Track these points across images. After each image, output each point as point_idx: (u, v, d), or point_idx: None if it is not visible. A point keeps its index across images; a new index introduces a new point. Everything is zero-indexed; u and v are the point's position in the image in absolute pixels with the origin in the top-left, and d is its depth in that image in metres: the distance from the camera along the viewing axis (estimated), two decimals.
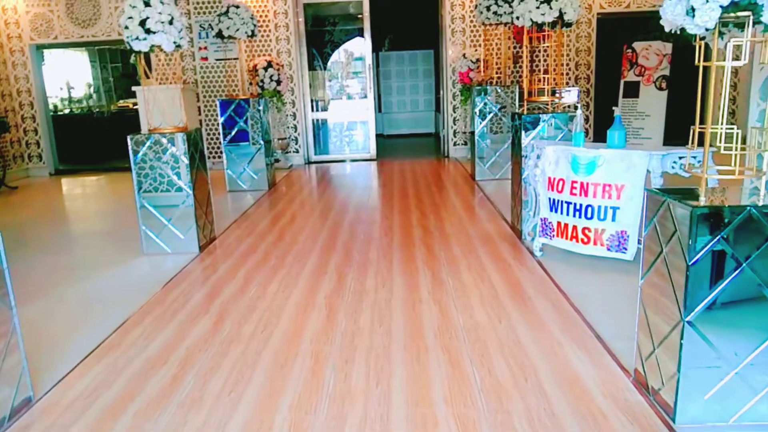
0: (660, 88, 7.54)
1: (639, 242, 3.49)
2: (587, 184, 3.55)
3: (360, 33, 11.89)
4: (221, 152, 6.96)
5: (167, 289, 3.66)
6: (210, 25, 7.27)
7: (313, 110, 9.23)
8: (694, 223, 1.86)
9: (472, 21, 8.53)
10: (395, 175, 7.59)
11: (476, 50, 8.33)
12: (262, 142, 6.77)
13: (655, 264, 2.14)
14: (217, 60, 8.57)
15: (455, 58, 8.60)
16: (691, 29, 1.87)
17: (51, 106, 9.91)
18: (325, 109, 10.23)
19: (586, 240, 3.61)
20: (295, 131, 8.91)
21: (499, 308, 3.07)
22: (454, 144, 8.95)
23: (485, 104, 6.71)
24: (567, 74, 8.70)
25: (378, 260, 3.97)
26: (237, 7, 6.62)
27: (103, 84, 12.09)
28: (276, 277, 3.74)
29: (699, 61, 1.97)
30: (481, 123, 6.72)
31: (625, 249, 3.49)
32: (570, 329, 2.79)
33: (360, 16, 10.40)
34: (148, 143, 4.32)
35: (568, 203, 3.65)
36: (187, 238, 4.44)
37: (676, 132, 8.72)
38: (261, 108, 6.78)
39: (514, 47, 8.43)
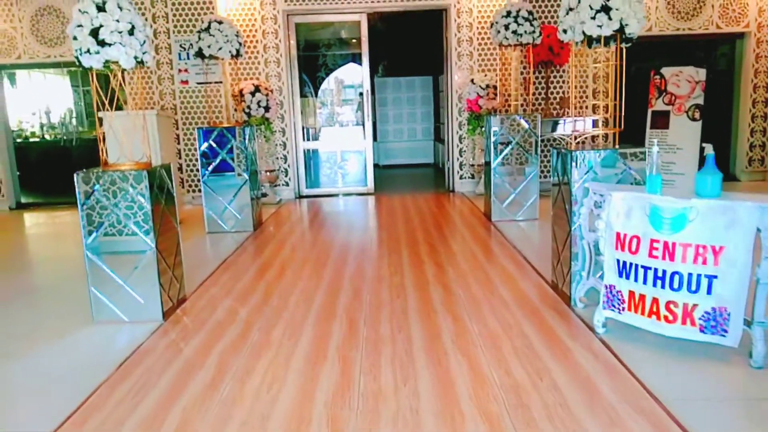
0: (693, 119, 6.78)
1: (746, 324, 2.62)
2: (673, 244, 2.69)
3: (353, 59, 11.16)
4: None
5: (114, 382, 2.72)
6: (191, 44, 6.46)
7: (304, 139, 8.38)
8: None
9: (480, 43, 7.78)
10: (398, 212, 6.72)
11: (485, 75, 7.56)
12: (246, 176, 5.89)
13: None
14: (198, 84, 7.72)
15: (462, 83, 7.83)
16: None
17: (18, 132, 8.98)
18: (316, 138, 9.41)
19: (671, 317, 2.73)
20: (285, 162, 8.04)
21: (578, 429, 2.17)
22: (461, 177, 8.12)
23: (501, 134, 5.88)
24: (583, 102, 7.94)
25: (393, 338, 3.06)
26: (220, 23, 5.80)
27: (86, 109, 11.27)
28: (259, 364, 2.82)
29: None
30: (497, 156, 5.89)
31: (725, 332, 2.62)
32: None
33: (354, 40, 9.69)
34: (100, 183, 3.42)
35: (647, 268, 2.78)
36: (148, 301, 3.51)
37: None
38: (246, 137, 5.91)
39: (534, 71, 7.68)
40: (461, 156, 8.07)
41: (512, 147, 5.87)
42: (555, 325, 3.15)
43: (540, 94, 7.94)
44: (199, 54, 5.85)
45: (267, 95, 7.41)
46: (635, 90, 9.76)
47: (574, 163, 3.34)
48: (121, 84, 3.56)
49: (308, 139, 8.80)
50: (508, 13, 5.73)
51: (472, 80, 7.48)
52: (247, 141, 5.94)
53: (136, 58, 3.39)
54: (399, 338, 3.03)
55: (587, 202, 3.24)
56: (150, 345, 3.15)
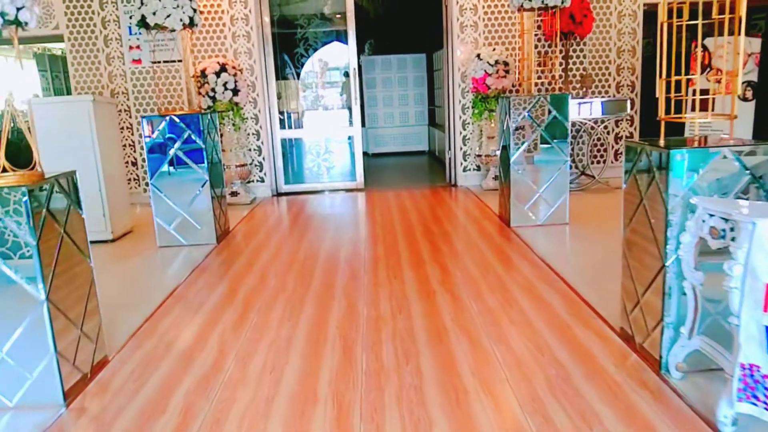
0: (744, 98, 5.73)
1: None
2: None
3: (338, 36, 9.97)
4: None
5: None
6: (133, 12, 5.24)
7: (284, 127, 7.22)
8: None
9: (486, 12, 6.63)
10: (394, 214, 5.60)
11: (494, 49, 6.42)
12: (206, 176, 4.73)
13: None
14: (153, 63, 6.50)
15: (465, 60, 6.68)
16: None
17: None
18: (299, 126, 8.23)
19: None
20: (260, 155, 6.88)
21: None
22: (464, 169, 7.01)
23: (522, 119, 4.76)
24: (606, 80, 6.85)
25: None
26: None
27: (55, 96, 10.02)
28: None
29: None
30: (518, 146, 4.77)
31: None
32: None
33: (338, 16, 8.51)
34: None
35: None
36: (42, 378, 2.38)
37: None
38: (203, 127, 4.73)
39: (552, 43, 6.56)
40: (465, 144, 6.94)
41: (535, 135, 4.76)
42: (649, 413, 2.07)
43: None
44: (143, 24, 4.64)
45: (235, 75, 6.22)
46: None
47: (675, 168, 2.23)
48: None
49: (291, 126, 7.64)
50: None
51: (478, 55, 6.34)
52: (206, 131, 4.77)
53: (3, 15, 2.21)
54: None
55: (694, 226, 2.15)
56: None
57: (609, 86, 6.83)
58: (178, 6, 4.54)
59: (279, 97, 7.32)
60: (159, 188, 4.71)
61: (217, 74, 6.15)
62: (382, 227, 5.19)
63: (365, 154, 9.87)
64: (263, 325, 3.04)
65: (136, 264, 4.39)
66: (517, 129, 4.79)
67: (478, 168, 6.96)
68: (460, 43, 6.69)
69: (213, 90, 6.15)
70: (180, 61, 6.30)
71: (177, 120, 4.64)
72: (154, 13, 4.53)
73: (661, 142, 2.41)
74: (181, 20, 4.60)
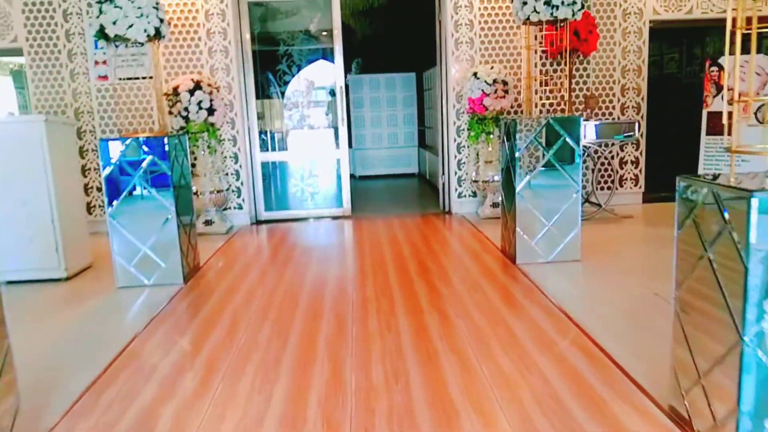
0: (764, 121, 5.30)
1: None
2: None
3: (324, 55, 9.52)
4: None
5: None
6: (91, 23, 4.72)
7: (266, 148, 6.70)
8: None
9: (483, 28, 6.19)
10: (386, 247, 5.06)
11: (492, 67, 5.97)
12: (172, 207, 4.17)
13: None
14: (121, 80, 5.95)
15: (461, 78, 6.22)
16: None
17: None
18: (282, 148, 7.69)
19: None
20: (237, 179, 6.33)
21: None
22: (459, 195, 6.51)
23: (531, 143, 4.27)
24: (610, 101, 6.42)
25: None
26: None
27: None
28: None
29: None
30: (523, 174, 4.28)
31: None
32: None
33: (324, 33, 8.04)
34: None
35: None
36: None
37: None
38: (169, 150, 4.18)
39: (553, 61, 6.14)
40: (460, 169, 6.45)
41: (545, 161, 4.26)
42: None
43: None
44: (103, 35, 4.11)
45: (211, 93, 5.69)
46: (676, 84, 8.28)
47: (761, 215, 1.72)
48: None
49: (275, 148, 7.11)
50: None
51: (475, 74, 5.87)
52: (173, 154, 4.22)
53: None
54: None
55: None
56: None
57: (613, 107, 6.40)
58: (142, 15, 4.02)
59: (260, 117, 6.82)
60: (118, 220, 4.13)
61: (191, 92, 5.62)
62: (371, 262, 4.65)
63: (352, 176, 9.35)
64: (227, 400, 2.47)
65: (88, 310, 3.79)
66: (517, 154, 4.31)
67: (474, 194, 6.47)
68: (454, 60, 6.23)
69: (186, 109, 5.62)
70: (145, 78, 5.78)
71: (140, 143, 4.09)
72: (114, 23, 4.00)
73: (732, 180, 1.91)
74: (145, 31, 4.07)
